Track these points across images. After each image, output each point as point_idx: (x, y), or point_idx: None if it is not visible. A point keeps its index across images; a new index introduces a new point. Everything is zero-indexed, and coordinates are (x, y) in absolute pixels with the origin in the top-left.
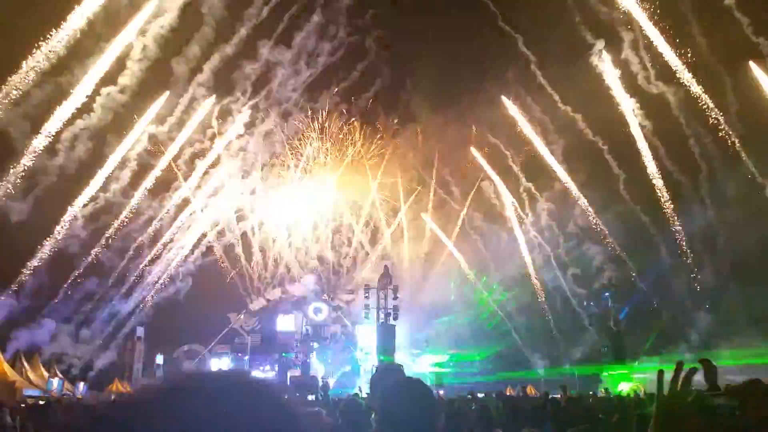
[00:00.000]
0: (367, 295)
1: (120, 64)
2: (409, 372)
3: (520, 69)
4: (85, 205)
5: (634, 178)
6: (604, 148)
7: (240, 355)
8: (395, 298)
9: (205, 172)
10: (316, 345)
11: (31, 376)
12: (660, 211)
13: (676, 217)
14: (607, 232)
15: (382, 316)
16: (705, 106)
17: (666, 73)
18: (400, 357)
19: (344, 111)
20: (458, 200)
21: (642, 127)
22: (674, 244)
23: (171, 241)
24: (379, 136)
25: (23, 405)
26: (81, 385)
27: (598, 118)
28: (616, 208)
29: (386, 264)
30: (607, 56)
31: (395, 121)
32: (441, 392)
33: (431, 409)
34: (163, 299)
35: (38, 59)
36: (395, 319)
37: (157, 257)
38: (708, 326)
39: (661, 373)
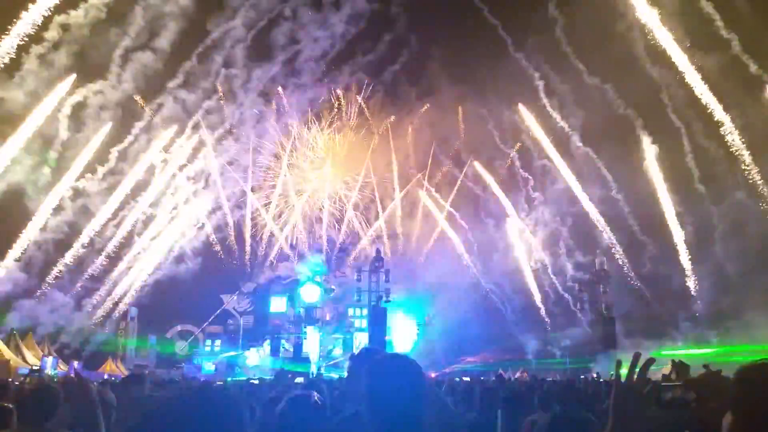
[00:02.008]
0: (359, 277)
1: None
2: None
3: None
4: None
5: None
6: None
7: (233, 336)
8: (387, 280)
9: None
10: (308, 327)
11: (26, 354)
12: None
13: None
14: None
15: (374, 298)
16: None
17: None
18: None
19: (364, 86)
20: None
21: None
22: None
23: (172, 219)
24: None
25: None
26: (75, 364)
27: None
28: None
29: (378, 247)
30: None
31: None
32: (432, 374)
33: (420, 387)
34: (156, 280)
35: None
36: (387, 301)
37: (153, 238)
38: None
39: (618, 363)
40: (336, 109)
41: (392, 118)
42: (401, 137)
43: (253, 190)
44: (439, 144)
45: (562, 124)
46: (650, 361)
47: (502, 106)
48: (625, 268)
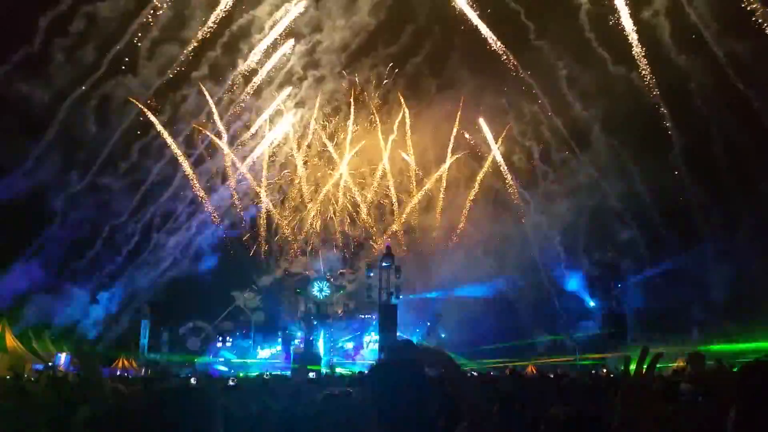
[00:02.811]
0: (369, 274)
1: None
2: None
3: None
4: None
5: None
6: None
7: (245, 332)
8: (398, 277)
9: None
10: (319, 323)
11: (39, 350)
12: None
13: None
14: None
15: (384, 295)
16: None
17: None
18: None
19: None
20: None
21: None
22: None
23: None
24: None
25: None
26: (62, 357)
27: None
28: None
29: (388, 244)
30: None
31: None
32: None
33: (423, 396)
34: (169, 277)
35: None
36: (397, 298)
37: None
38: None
39: (627, 358)
40: (354, 102)
41: (406, 112)
42: (420, 130)
43: (268, 186)
44: (458, 136)
45: (584, 113)
46: (659, 356)
47: (523, 96)
48: (643, 263)
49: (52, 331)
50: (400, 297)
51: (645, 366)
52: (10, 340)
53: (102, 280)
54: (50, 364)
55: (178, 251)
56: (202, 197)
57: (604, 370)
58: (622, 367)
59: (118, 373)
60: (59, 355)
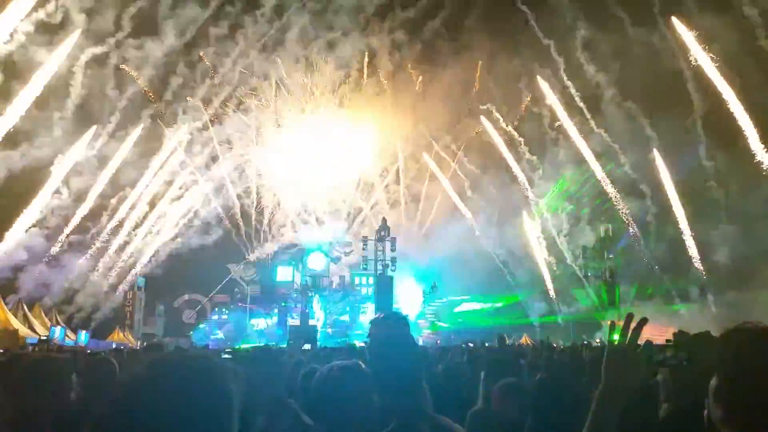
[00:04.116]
0: (364, 246)
1: None
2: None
3: None
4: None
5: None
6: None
7: (240, 304)
8: (393, 249)
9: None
10: (315, 295)
11: (34, 324)
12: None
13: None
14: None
15: (380, 267)
16: None
17: None
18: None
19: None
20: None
21: None
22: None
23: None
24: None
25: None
26: (83, 334)
27: None
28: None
29: (383, 216)
30: None
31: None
32: (438, 341)
33: (417, 365)
34: (164, 250)
35: None
36: (393, 270)
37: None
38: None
39: (611, 324)
40: (365, 69)
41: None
42: (426, 98)
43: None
44: (466, 104)
45: (598, 79)
46: (643, 321)
47: (536, 62)
48: (640, 236)
49: (45, 304)
50: (396, 268)
51: (629, 332)
52: (3, 314)
53: (95, 253)
54: (44, 337)
55: (175, 224)
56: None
57: (598, 341)
58: (613, 337)
59: (114, 346)
60: (53, 328)
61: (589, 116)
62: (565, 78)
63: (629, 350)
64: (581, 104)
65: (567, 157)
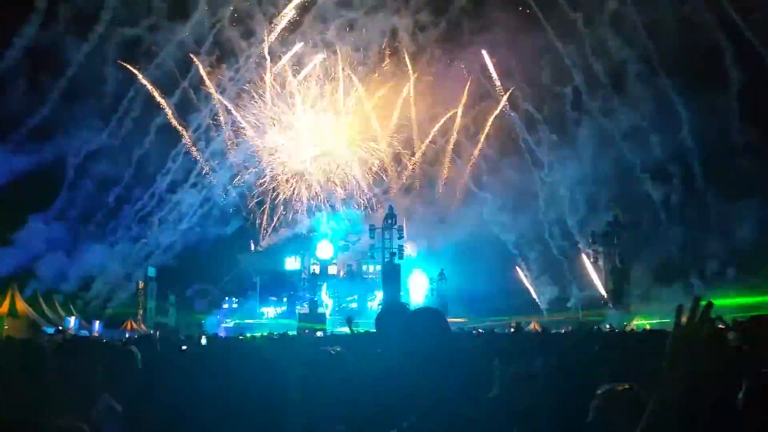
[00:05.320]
0: (372, 235)
1: None
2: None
3: None
4: None
5: None
6: None
7: (250, 293)
8: (400, 237)
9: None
10: (323, 283)
11: (49, 314)
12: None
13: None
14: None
15: (387, 255)
16: None
17: None
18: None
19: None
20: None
21: None
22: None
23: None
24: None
25: None
26: (96, 324)
27: None
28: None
29: (390, 204)
30: None
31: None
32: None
33: (451, 342)
34: (174, 241)
35: None
36: (400, 258)
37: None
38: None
39: (680, 307)
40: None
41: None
42: (446, 79)
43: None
44: (488, 84)
45: (625, 54)
46: (710, 306)
47: (562, 35)
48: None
49: (60, 295)
50: (403, 257)
51: (697, 316)
52: (21, 305)
53: (109, 243)
54: (60, 327)
55: (187, 216)
56: (204, 168)
57: (608, 326)
58: (625, 323)
59: (127, 335)
60: (68, 318)
61: (611, 94)
62: (590, 53)
63: (696, 333)
64: (605, 81)
65: (589, 137)
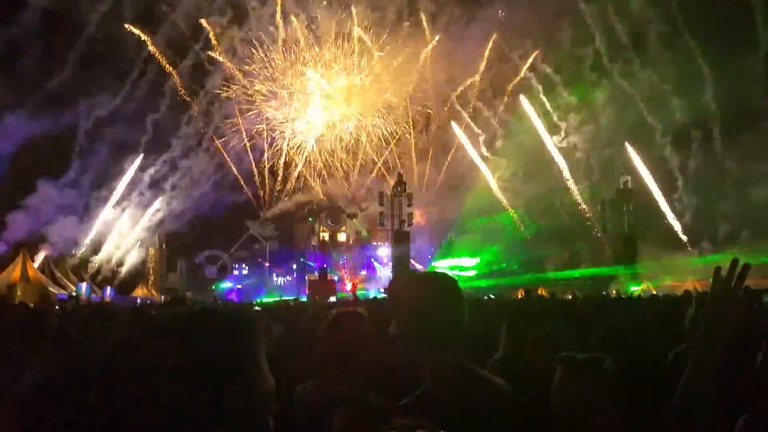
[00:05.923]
0: (381, 202)
1: None
2: None
3: None
4: None
5: None
6: None
7: (260, 260)
8: (409, 205)
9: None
10: (332, 250)
11: (61, 280)
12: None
13: None
14: None
15: (396, 223)
16: None
17: None
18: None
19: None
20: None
21: None
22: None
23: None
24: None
25: None
26: (108, 289)
27: None
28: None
29: (399, 171)
30: None
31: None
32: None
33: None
34: (184, 208)
35: None
36: (409, 226)
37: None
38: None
39: (718, 269)
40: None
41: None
42: (461, 45)
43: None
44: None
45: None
46: (747, 267)
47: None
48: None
49: (70, 260)
50: (412, 224)
51: (734, 277)
52: (32, 270)
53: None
54: (74, 293)
55: (199, 182)
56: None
57: (614, 292)
58: (633, 289)
59: (138, 301)
60: (80, 284)
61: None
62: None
63: (733, 295)
64: (627, 42)
65: (608, 99)
